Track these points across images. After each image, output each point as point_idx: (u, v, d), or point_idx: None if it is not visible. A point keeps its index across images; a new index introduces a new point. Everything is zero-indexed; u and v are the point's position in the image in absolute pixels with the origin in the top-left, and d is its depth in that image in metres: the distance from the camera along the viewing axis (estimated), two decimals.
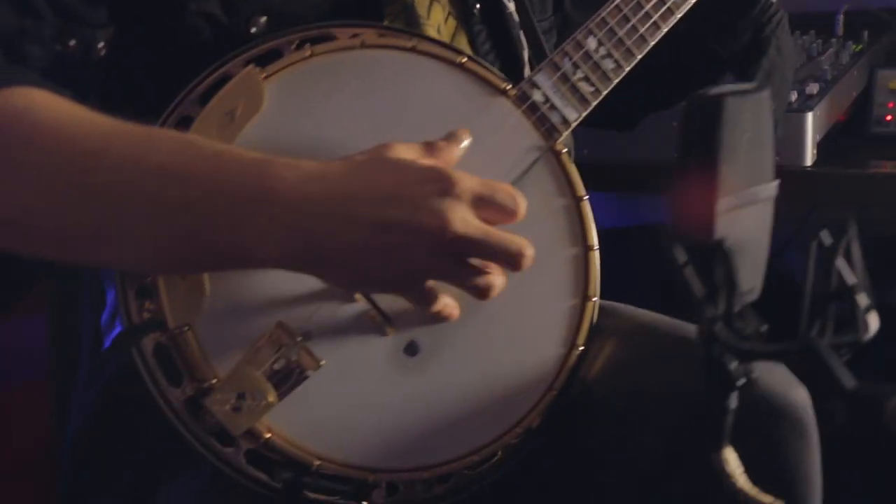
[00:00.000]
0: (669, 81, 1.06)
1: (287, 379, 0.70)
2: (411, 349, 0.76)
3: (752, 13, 1.03)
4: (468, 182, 0.65)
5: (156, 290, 0.71)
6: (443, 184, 0.65)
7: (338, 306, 0.74)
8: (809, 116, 1.36)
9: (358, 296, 0.75)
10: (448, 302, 0.73)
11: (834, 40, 1.65)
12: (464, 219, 0.65)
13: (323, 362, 0.71)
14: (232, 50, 0.75)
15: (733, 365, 0.57)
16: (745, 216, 0.59)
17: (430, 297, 0.71)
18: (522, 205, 0.68)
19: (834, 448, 0.79)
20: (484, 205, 0.66)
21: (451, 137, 0.72)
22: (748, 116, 0.57)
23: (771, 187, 0.61)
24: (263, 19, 0.77)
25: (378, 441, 0.74)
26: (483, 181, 0.67)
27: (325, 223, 0.64)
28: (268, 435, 0.70)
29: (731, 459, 0.65)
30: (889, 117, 1.63)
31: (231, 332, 0.72)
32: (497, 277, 0.69)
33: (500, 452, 0.77)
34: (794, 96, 1.39)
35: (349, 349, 0.74)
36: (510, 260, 0.67)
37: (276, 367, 0.70)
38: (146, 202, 0.65)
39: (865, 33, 1.68)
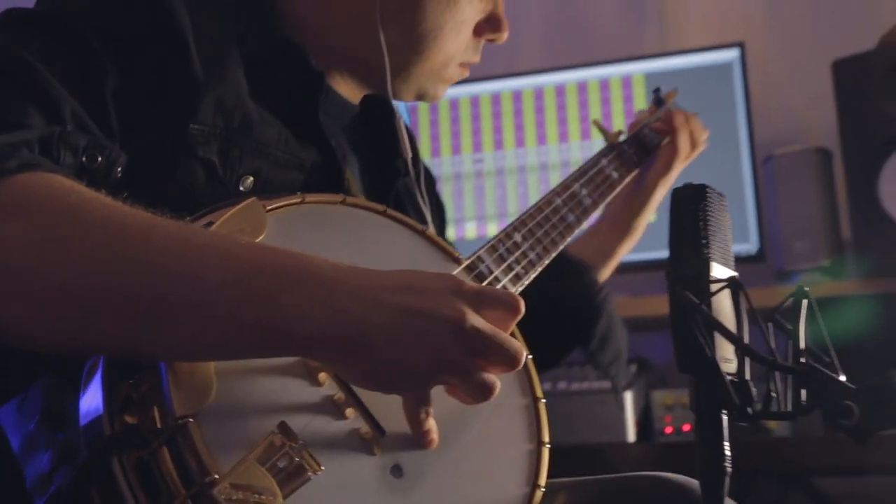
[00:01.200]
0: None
1: (290, 478, 0.66)
2: (397, 471, 0.75)
3: (585, 280, 1.23)
4: (471, 284, 0.73)
5: (148, 397, 0.67)
6: (453, 283, 0.72)
7: (329, 421, 0.74)
8: (628, 395, 1.55)
9: (349, 411, 0.75)
10: (433, 426, 0.76)
11: None
12: (475, 315, 0.71)
13: (323, 467, 0.69)
14: (218, 202, 0.80)
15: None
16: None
17: (428, 403, 0.73)
18: (522, 303, 0.75)
19: None
20: (488, 303, 0.73)
21: None
22: (718, 205, 0.72)
23: (734, 274, 0.74)
24: (251, 180, 0.84)
25: None
26: (482, 286, 0.75)
27: (359, 306, 0.68)
28: None
29: None
30: (668, 430, 1.85)
31: (231, 431, 0.68)
32: (496, 379, 0.73)
33: None
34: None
35: (341, 463, 0.72)
36: (510, 359, 0.73)
37: (280, 465, 0.67)
38: (193, 277, 0.66)
39: (634, 366, 1.96)
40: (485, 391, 0.72)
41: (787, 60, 2.36)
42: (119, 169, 0.76)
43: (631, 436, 1.64)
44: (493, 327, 0.72)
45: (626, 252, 1.33)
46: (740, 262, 2.10)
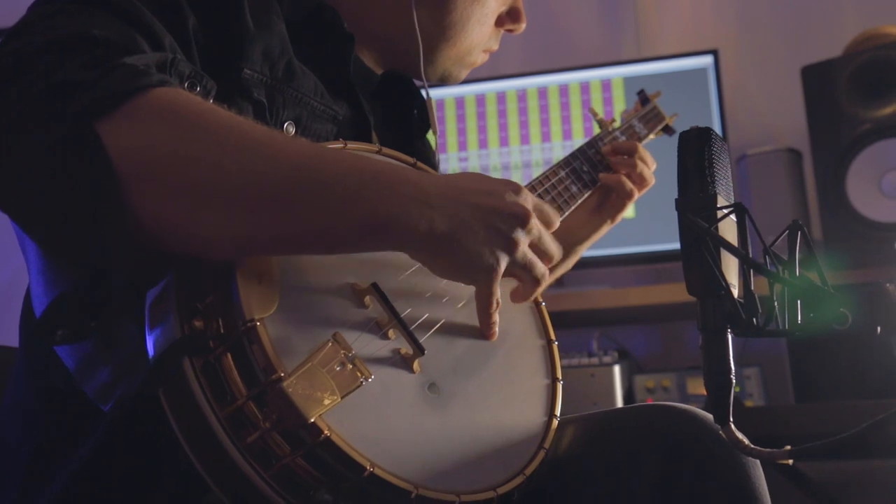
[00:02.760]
0: None
1: (345, 383, 0.73)
2: (434, 389, 0.83)
3: None
4: (528, 191, 0.85)
5: (212, 308, 0.74)
6: (515, 187, 0.83)
7: (374, 339, 0.81)
8: (616, 368, 1.63)
9: (391, 332, 0.82)
10: (498, 321, 0.87)
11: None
12: (534, 216, 0.83)
13: (373, 376, 0.76)
14: None
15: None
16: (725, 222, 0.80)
17: (497, 292, 0.84)
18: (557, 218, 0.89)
19: None
20: (537, 209, 0.86)
21: None
22: (720, 146, 0.81)
23: (738, 204, 0.82)
24: (293, 128, 0.92)
25: (417, 460, 0.76)
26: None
27: (447, 204, 0.77)
28: (327, 432, 0.71)
29: (736, 429, 0.78)
30: None
31: (293, 337, 0.75)
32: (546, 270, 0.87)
33: (513, 494, 0.82)
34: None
35: (385, 376, 0.79)
36: (553, 254, 0.87)
37: (337, 369, 0.74)
38: (314, 170, 0.73)
39: (616, 354, 2.04)
40: (539, 280, 0.87)
41: (759, 67, 2.48)
42: (211, 100, 0.82)
43: (619, 401, 1.72)
44: (544, 228, 0.86)
45: (562, 273, 1.38)
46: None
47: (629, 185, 1.26)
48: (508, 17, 1.17)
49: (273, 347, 0.72)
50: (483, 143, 2.45)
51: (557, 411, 0.92)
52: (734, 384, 0.78)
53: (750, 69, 2.49)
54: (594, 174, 1.25)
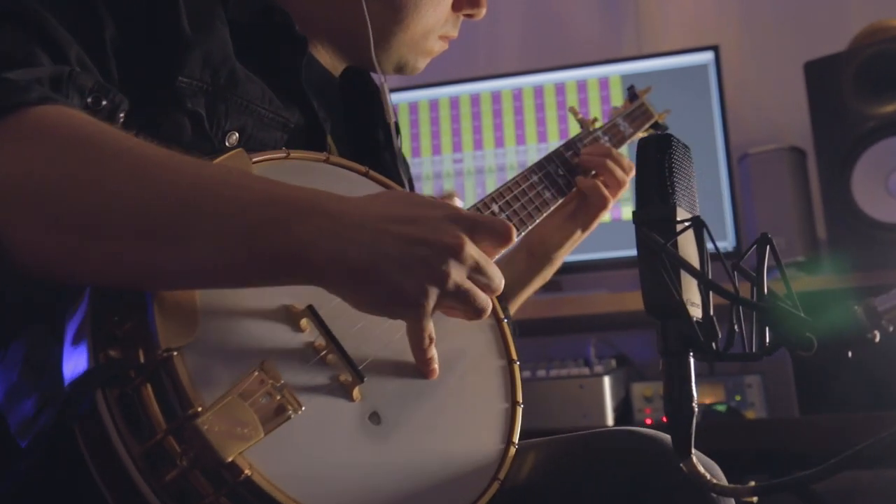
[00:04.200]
0: None
1: (272, 416, 0.68)
2: (375, 418, 0.77)
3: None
4: (467, 212, 0.77)
5: (131, 335, 0.69)
6: (451, 212, 0.75)
7: (310, 366, 0.75)
8: (607, 379, 1.57)
9: (330, 358, 0.77)
10: (436, 356, 0.79)
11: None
12: (471, 243, 0.75)
13: (304, 408, 0.70)
14: (203, 156, 0.82)
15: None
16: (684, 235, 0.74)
17: (430, 330, 0.77)
18: (514, 231, 0.79)
19: None
20: (481, 230, 0.77)
21: (446, 197, 0.82)
22: (682, 153, 0.75)
23: (696, 217, 0.76)
24: (235, 136, 0.86)
25: (350, 497, 0.71)
26: (477, 214, 0.78)
27: (367, 236, 0.70)
28: (248, 472, 0.66)
29: (698, 463, 0.72)
30: (648, 420, 1.88)
31: (214, 368, 0.69)
32: (489, 300, 0.77)
33: None
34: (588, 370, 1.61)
35: (320, 406, 0.74)
36: (494, 286, 0.77)
37: (262, 401, 0.68)
38: (213, 200, 0.68)
39: (613, 361, 1.98)
40: (479, 311, 0.77)
41: (761, 62, 2.41)
42: (122, 115, 0.78)
43: (610, 422, 1.66)
44: (485, 256, 0.76)
45: (541, 284, 1.30)
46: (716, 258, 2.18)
47: (604, 191, 1.19)
48: (466, 2, 1.09)
49: (190, 379, 0.67)
50: (478, 144, 2.39)
51: (516, 438, 0.86)
52: (696, 412, 0.72)
53: (752, 65, 2.41)
54: (570, 178, 1.19)
